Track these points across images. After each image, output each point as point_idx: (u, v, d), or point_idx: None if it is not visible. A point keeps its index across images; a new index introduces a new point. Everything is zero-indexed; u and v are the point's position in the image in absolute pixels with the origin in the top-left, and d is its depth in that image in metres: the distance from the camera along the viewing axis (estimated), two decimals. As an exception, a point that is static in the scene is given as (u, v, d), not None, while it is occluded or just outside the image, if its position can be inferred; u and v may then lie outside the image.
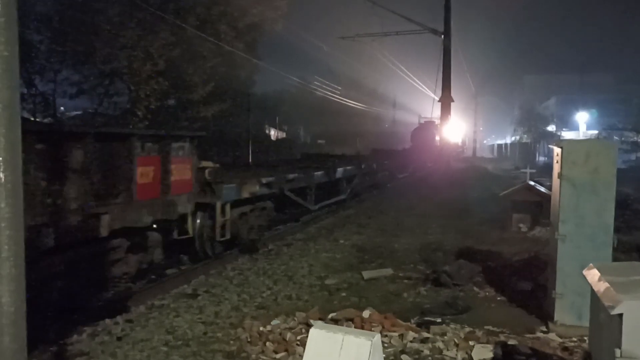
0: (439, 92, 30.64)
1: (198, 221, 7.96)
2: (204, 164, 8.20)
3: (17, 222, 2.05)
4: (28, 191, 4.51)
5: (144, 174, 6.57)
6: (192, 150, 7.68)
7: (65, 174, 5.37)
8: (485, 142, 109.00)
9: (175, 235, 7.60)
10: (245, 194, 9.02)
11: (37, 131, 5.19)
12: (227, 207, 8.43)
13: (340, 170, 14.59)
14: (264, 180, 9.79)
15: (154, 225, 6.91)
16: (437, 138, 33.09)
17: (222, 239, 8.44)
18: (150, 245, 6.98)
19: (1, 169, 1.97)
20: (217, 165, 8.61)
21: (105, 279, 6.15)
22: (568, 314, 5.43)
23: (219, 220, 8.24)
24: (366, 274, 7.86)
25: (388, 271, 8.05)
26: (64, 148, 5.37)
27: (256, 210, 9.65)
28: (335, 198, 14.66)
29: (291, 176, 11.28)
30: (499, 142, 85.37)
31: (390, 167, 22.08)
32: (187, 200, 7.51)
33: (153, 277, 7.61)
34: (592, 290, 3.29)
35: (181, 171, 7.38)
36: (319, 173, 13.01)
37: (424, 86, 43.76)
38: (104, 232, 5.80)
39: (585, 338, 4.87)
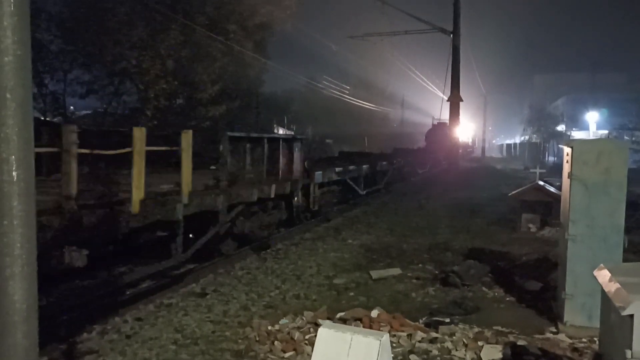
0: (448, 92, 30.52)
1: (296, 198, 11.24)
2: None
3: (30, 220, 2.06)
4: (239, 167, 9.04)
5: (283, 162, 10.51)
6: (302, 148, 11.44)
7: (255, 164, 9.56)
8: (494, 141, 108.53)
9: (294, 203, 11.15)
10: (326, 179, 12.77)
11: (246, 137, 9.47)
12: (316, 187, 12.12)
13: (379, 164, 18.63)
14: (336, 170, 13.79)
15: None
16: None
17: (313, 209, 12.08)
18: (282, 208, 10.72)
19: (14, 167, 1.98)
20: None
21: (264, 223, 9.97)
22: (578, 314, 5.39)
23: (312, 196, 11.88)
24: (374, 274, 7.85)
25: (396, 271, 8.03)
26: (255, 146, 9.56)
27: (329, 191, 13.42)
28: (375, 187, 18.33)
29: (351, 168, 15.12)
30: (508, 141, 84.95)
31: (412, 163, 25.81)
32: (299, 180, 11.19)
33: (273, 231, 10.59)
34: (603, 291, 3.26)
35: (297, 161, 11.12)
36: (366, 166, 16.74)
37: (432, 86, 43.65)
38: (272, 194, 9.75)
39: (596, 339, 4.84)
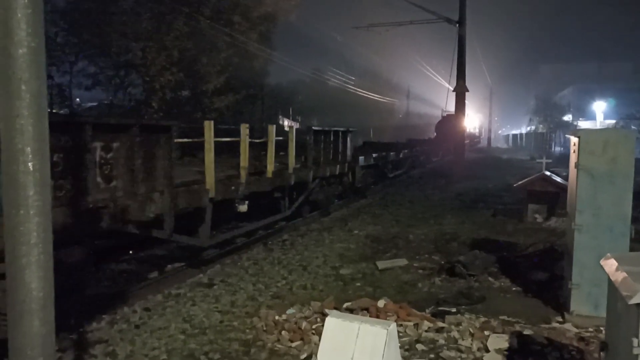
0: (454, 83, 30.36)
1: (346, 177, 14.15)
2: None
3: (46, 210, 2.10)
4: (317, 151, 11.81)
5: (341, 148, 13.37)
6: (351, 138, 14.15)
7: (326, 149, 12.28)
8: (500, 132, 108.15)
9: (344, 180, 14.00)
10: (366, 162, 15.76)
11: (321, 130, 12.35)
12: (359, 169, 14.94)
13: (402, 152, 21.97)
14: (374, 155, 16.98)
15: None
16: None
17: (357, 186, 14.91)
18: (338, 184, 13.66)
19: (30, 158, 2.02)
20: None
21: (328, 194, 12.95)
22: (584, 304, 5.40)
23: (356, 176, 14.72)
24: (381, 264, 7.88)
25: (403, 261, 8.06)
26: (323, 138, 12.19)
27: (367, 173, 16.19)
28: (400, 170, 21.59)
29: (383, 154, 18.41)
30: (514, 132, 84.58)
31: (427, 152, 29.28)
32: (350, 162, 14.11)
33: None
34: (610, 280, 3.26)
35: (348, 148, 13.93)
36: (393, 153, 19.97)
37: (438, 76, 43.49)
38: (337, 172, 12.89)
39: (602, 328, 4.85)
